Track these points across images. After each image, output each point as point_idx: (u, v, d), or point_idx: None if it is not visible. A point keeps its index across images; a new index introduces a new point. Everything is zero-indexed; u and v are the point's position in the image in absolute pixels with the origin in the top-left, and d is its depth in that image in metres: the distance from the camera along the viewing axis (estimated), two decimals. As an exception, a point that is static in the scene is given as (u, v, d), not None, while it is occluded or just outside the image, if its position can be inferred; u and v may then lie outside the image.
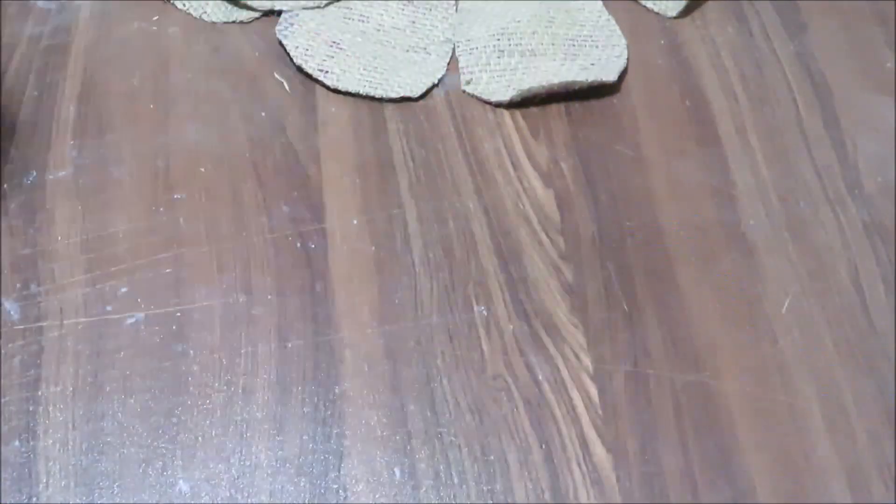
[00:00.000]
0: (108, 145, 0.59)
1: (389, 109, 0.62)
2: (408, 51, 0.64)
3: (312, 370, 0.52)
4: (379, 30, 0.65)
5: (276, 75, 0.62)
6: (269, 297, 0.54)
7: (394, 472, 0.49)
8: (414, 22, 0.66)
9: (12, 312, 0.52)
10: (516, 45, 0.64)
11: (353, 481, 0.49)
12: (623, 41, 0.66)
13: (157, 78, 0.62)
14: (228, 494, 0.48)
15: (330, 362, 0.53)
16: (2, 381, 0.50)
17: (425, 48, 0.65)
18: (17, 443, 0.49)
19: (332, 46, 0.63)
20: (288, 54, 0.63)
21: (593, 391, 0.52)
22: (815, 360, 0.54)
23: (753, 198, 0.60)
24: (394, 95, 0.62)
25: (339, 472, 0.49)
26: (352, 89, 0.62)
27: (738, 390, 0.53)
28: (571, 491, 0.49)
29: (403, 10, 0.66)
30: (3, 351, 0.51)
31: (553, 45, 0.64)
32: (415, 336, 0.54)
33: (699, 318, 0.55)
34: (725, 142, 0.62)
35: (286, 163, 0.59)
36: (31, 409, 0.50)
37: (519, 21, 0.65)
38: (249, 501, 0.48)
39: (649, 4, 0.68)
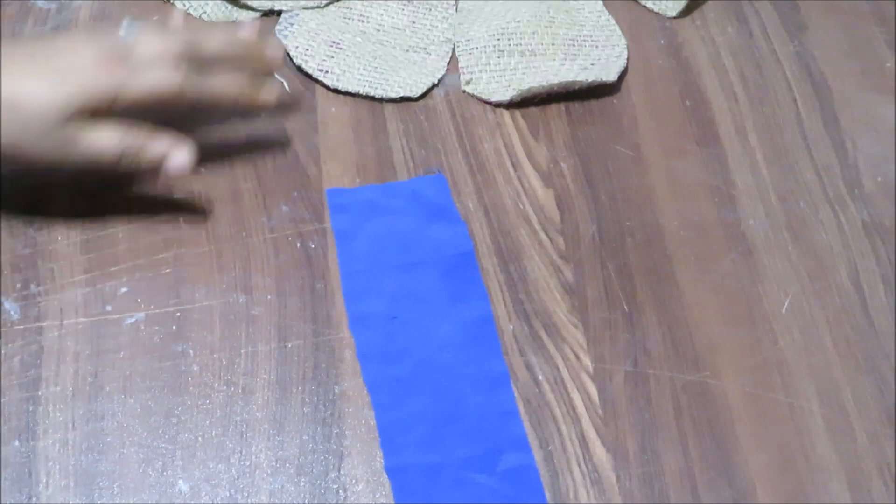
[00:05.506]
0: (108, 145, 0.59)
1: (389, 109, 0.62)
2: (408, 51, 0.64)
3: (312, 370, 0.52)
4: (379, 30, 0.65)
5: (276, 75, 0.62)
6: (269, 296, 0.54)
7: (394, 472, 0.49)
8: (414, 22, 0.66)
9: (12, 312, 0.52)
10: (516, 45, 0.64)
11: (353, 481, 0.49)
12: (623, 41, 0.66)
13: (157, 78, 0.62)
14: (228, 494, 0.48)
15: (330, 362, 0.53)
16: (2, 381, 0.50)
17: (425, 48, 0.65)
18: (17, 443, 0.49)
19: (332, 46, 0.63)
20: (288, 54, 0.63)
21: (593, 391, 0.52)
22: (815, 360, 0.54)
23: (753, 198, 0.60)
24: (394, 95, 0.62)
25: (339, 472, 0.49)
26: (352, 89, 0.62)
27: (738, 390, 0.53)
28: (571, 491, 0.49)
29: (403, 10, 0.66)
30: (3, 351, 0.51)
31: (553, 45, 0.64)
32: (415, 336, 0.54)
33: (699, 318, 0.55)
34: (725, 142, 0.62)
35: (286, 163, 0.59)
36: (31, 409, 0.50)
37: (519, 21, 0.65)
38: (249, 501, 0.48)
39: (649, 4, 0.68)
